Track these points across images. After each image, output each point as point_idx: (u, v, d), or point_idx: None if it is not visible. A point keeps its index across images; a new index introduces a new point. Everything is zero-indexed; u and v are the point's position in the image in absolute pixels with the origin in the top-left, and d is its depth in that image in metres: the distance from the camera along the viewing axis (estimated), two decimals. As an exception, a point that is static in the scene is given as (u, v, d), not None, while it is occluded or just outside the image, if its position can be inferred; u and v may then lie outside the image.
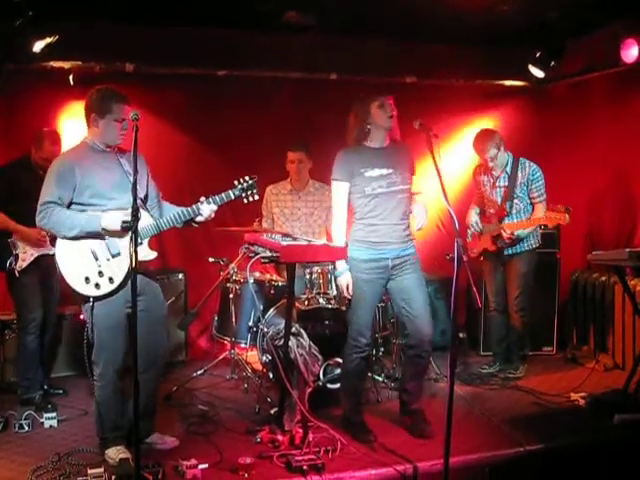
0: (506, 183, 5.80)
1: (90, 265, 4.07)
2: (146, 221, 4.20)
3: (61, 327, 5.83)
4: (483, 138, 5.77)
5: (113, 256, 4.11)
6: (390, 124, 4.48)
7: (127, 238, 4.01)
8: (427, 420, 4.64)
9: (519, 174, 5.75)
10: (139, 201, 4.07)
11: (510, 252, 5.85)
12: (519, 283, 5.86)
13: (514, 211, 5.78)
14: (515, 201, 5.78)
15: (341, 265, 4.52)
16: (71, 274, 4.07)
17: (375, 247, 4.48)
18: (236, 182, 4.34)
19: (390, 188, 4.46)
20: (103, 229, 4.03)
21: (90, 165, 4.11)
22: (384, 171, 4.47)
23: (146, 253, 4.21)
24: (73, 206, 4.09)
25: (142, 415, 4.14)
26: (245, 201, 4.36)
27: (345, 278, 4.49)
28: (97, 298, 4.07)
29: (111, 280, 4.08)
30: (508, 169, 5.80)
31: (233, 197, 4.32)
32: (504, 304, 5.97)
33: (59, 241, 4.11)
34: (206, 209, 4.25)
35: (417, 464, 4.16)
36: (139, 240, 3.92)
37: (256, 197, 4.39)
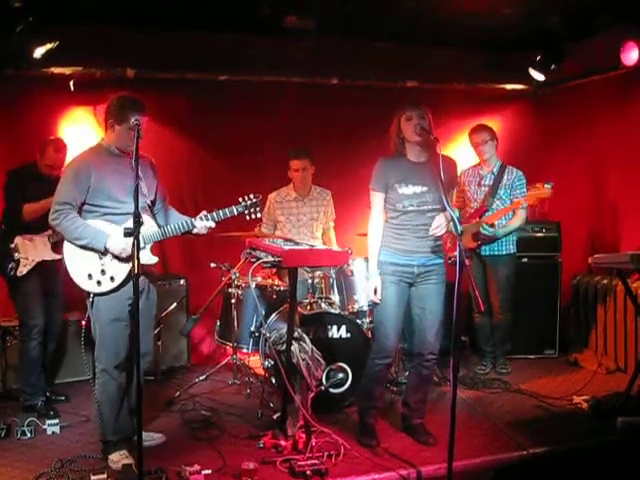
0: (491, 183, 5.97)
1: (94, 262, 4.18)
2: (150, 227, 4.29)
3: (65, 333, 5.82)
4: (478, 126, 6.06)
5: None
6: (417, 138, 4.34)
7: (128, 242, 4.02)
8: (428, 431, 4.62)
9: (505, 177, 5.95)
10: (145, 206, 4.24)
11: (489, 254, 5.99)
12: (501, 286, 6.05)
13: (494, 208, 5.92)
14: (497, 202, 5.93)
15: (372, 268, 4.49)
16: (75, 269, 4.19)
17: (402, 254, 4.45)
18: (240, 199, 4.42)
19: (421, 207, 4.39)
20: (106, 249, 4.13)
21: (105, 168, 4.20)
22: (417, 189, 4.38)
23: (148, 258, 4.29)
24: (85, 207, 4.17)
25: (130, 412, 4.31)
26: (247, 218, 4.45)
27: (374, 281, 4.45)
28: (97, 294, 4.18)
29: (112, 279, 4.18)
30: (495, 170, 5.98)
31: (236, 213, 4.41)
32: (487, 305, 6.06)
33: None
34: (200, 225, 4.35)
35: (420, 468, 4.15)
36: (142, 244, 4.01)
37: (259, 215, 4.48)
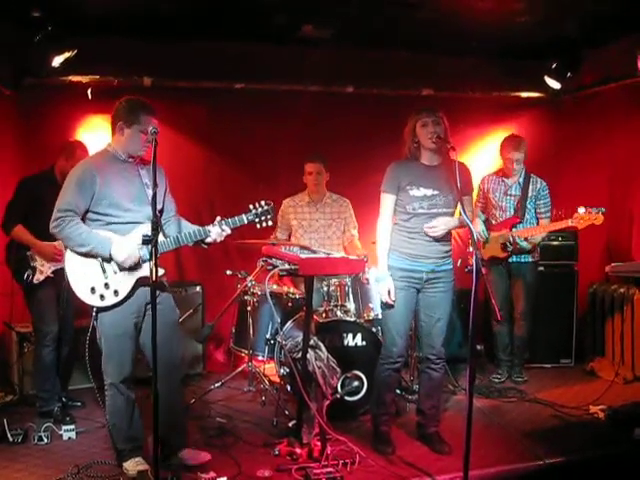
0: (518, 193, 5.97)
1: (97, 276, 4.06)
2: (159, 237, 4.12)
3: (79, 339, 5.84)
4: (516, 140, 5.98)
5: (120, 270, 4.09)
6: (432, 145, 4.35)
7: (136, 251, 4.04)
8: (444, 440, 4.61)
9: (530, 187, 5.96)
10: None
11: (516, 261, 5.99)
12: (527, 294, 6.07)
13: (524, 220, 5.94)
14: (527, 213, 5.95)
15: (382, 271, 4.49)
16: (78, 283, 4.07)
17: (411, 259, 4.46)
18: (251, 206, 4.28)
19: (431, 210, 4.40)
20: (111, 256, 4.02)
21: (111, 174, 4.08)
22: (429, 192, 4.40)
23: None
24: (89, 214, 4.06)
25: (170, 430, 4.20)
26: (258, 226, 4.30)
27: (386, 284, 4.45)
28: (101, 309, 4.08)
29: (116, 293, 4.07)
30: (521, 180, 5.99)
31: (246, 221, 4.26)
32: (508, 314, 6.08)
33: (69, 250, 4.10)
34: (215, 232, 4.18)
35: (436, 477, 4.14)
36: (146, 256, 3.96)
37: (270, 223, 4.33)
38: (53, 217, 4.01)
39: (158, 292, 4.05)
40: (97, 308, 4.07)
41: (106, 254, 4.01)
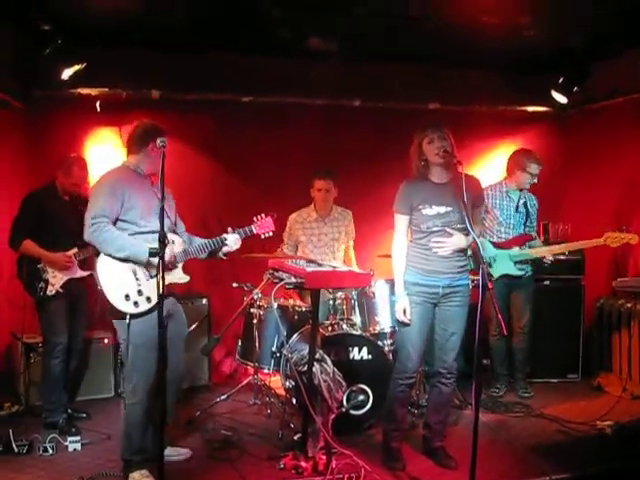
0: (524, 210, 6.01)
1: (130, 283, 4.18)
2: (181, 245, 4.41)
3: (87, 351, 5.86)
4: (533, 153, 5.99)
5: (152, 277, 4.21)
6: (440, 160, 4.34)
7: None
8: (450, 455, 4.59)
9: (528, 203, 6.04)
10: (172, 227, 4.39)
11: (517, 277, 5.98)
12: (527, 307, 6.11)
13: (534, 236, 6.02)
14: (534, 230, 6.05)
15: (399, 290, 4.49)
16: (112, 290, 4.16)
17: (427, 274, 4.44)
18: (255, 219, 4.63)
19: (445, 227, 4.39)
20: (149, 259, 4.15)
21: (135, 187, 4.27)
22: (442, 209, 4.39)
23: (180, 276, 4.42)
24: (118, 224, 4.19)
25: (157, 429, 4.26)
26: (262, 237, 4.65)
27: (402, 303, 4.44)
28: (133, 316, 4.16)
29: (149, 299, 4.19)
30: (523, 196, 6.02)
31: (254, 231, 4.61)
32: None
33: (101, 258, 4.19)
34: (231, 239, 4.47)
35: (442, 492, 4.13)
36: (181, 257, 4.34)
37: (271, 234, 4.68)
38: (88, 224, 4.13)
39: (174, 302, 4.47)
40: (130, 315, 4.14)
41: (144, 259, 4.13)
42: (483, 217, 6.08)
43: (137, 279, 4.19)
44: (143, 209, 4.22)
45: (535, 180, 5.93)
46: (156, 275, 4.13)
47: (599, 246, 5.66)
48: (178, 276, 4.39)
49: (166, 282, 4.12)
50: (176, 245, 4.39)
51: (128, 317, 4.14)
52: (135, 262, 4.18)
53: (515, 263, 5.87)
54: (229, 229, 4.51)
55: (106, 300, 4.15)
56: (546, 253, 5.83)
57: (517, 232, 5.98)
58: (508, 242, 5.96)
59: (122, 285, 4.16)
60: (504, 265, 5.88)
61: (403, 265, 4.50)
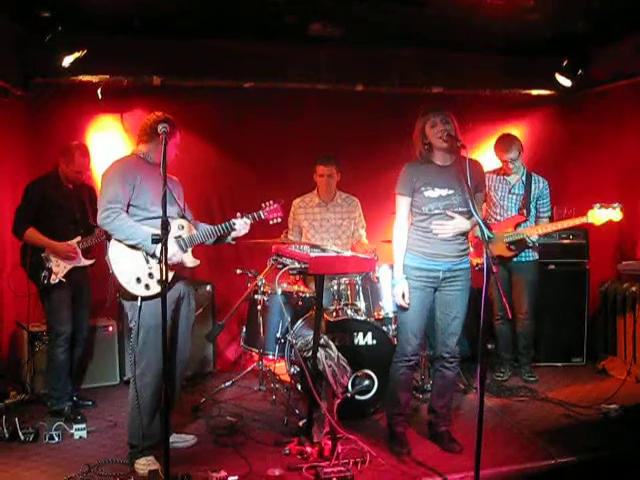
0: (522, 192, 5.94)
1: (142, 267, 4.24)
2: (189, 230, 4.45)
3: (91, 339, 5.87)
4: (506, 140, 5.95)
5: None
6: (443, 144, 4.30)
7: (175, 247, 4.32)
8: (455, 439, 4.60)
9: (532, 186, 5.94)
10: (182, 212, 4.46)
11: (518, 260, 5.97)
12: (529, 292, 6.05)
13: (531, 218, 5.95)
14: (531, 212, 5.96)
15: (398, 274, 4.47)
16: (123, 273, 4.22)
17: (428, 258, 4.42)
18: (263, 205, 4.63)
19: (447, 210, 4.37)
20: (154, 252, 4.19)
21: (145, 174, 4.31)
22: (444, 192, 4.36)
23: (191, 260, 4.47)
24: (130, 209, 4.24)
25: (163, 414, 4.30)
26: (270, 222, 4.66)
27: (401, 287, 4.43)
28: (144, 298, 4.21)
29: (160, 282, 4.16)
30: (524, 179, 5.96)
31: (263, 217, 4.62)
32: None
33: (113, 242, 4.25)
34: (239, 223, 4.50)
35: (447, 476, 4.12)
36: (186, 248, 4.39)
37: (279, 220, 4.67)
38: (101, 209, 4.18)
39: (185, 285, 4.55)
40: (142, 298, 4.21)
41: (151, 250, 4.19)
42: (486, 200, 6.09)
43: (148, 262, 4.25)
44: (153, 195, 4.25)
45: (512, 165, 5.87)
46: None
47: (597, 227, 5.55)
48: (188, 260, 4.44)
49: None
50: (185, 230, 4.42)
51: (139, 300, 4.20)
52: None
53: (508, 245, 5.85)
54: (238, 214, 4.54)
55: (118, 283, 4.23)
56: (534, 233, 5.77)
57: (510, 214, 5.96)
58: (500, 224, 5.95)
59: (133, 268, 4.23)
60: (497, 247, 5.86)
61: (403, 248, 4.48)
